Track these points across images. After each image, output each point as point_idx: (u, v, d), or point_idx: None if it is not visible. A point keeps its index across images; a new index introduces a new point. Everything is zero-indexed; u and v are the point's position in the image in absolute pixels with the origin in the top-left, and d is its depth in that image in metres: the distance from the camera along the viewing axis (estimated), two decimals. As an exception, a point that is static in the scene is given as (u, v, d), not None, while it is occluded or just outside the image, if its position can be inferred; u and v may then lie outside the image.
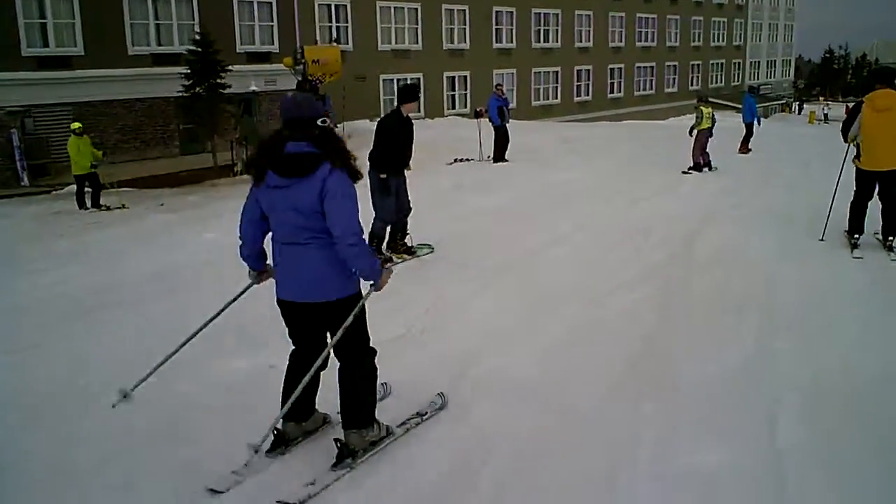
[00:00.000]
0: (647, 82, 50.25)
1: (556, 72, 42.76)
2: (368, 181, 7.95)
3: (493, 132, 17.85)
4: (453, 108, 36.31)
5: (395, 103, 8.29)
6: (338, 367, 4.10)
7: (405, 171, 8.61)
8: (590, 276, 7.65)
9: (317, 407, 4.38)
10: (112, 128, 24.83)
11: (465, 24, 36.84)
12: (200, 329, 4.28)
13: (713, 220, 10.15)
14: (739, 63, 61.50)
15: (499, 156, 17.89)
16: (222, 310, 4.36)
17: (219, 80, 22.79)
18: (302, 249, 3.83)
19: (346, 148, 3.90)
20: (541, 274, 7.81)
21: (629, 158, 18.73)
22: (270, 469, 4.02)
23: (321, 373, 4.09)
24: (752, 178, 14.41)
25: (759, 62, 64.72)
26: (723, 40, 58.51)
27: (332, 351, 4.01)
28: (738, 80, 60.81)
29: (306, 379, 3.90)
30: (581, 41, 44.32)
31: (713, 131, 15.73)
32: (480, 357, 5.51)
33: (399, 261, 8.35)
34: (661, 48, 51.12)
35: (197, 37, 22.74)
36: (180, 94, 22.66)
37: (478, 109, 18.77)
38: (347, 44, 31.55)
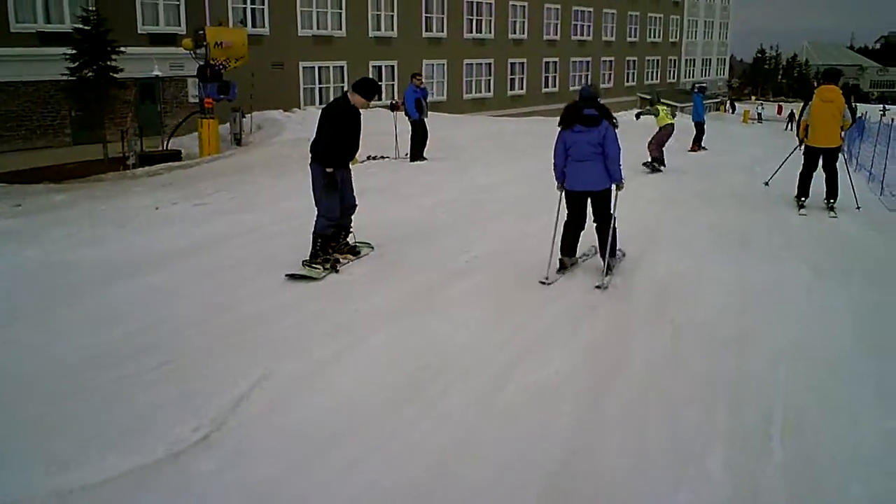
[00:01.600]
0: (583, 77, 48.90)
1: (490, 64, 41.09)
2: (311, 175, 7.50)
3: (410, 127, 16.01)
4: (379, 99, 34.21)
5: (345, 89, 7.41)
6: (594, 226, 7.33)
7: (350, 165, 7.88)
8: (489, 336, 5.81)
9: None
10: (-8, 114, 22.28)
11: (392, 11, 34.80)
12: None
13: (656, 241, 8.50)
14: (675, 60, 60.86)
15: (416, 154, 16.07)
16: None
17: (110, 63, 20.45)
18: (589, 164, 7.09)
19: (612, 114, 7.21)
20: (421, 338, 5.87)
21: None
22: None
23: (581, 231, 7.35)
24: (694, 184, 12.88)
25: (694, 60, 64.23)
26: (659, 36, 57.69)
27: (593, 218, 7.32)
28: (673, 78, 60.22)
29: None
30: (515, 33, 42.74)
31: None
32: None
33: (345, 262, 7.76)
34: (597, 42, 49.89)
35: (84, 13, 20.27)
36: (66, 77, 20.19)
37: (393, 101, 16.89)
38: (264, 27, 29.32)
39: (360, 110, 7.56)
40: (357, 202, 7.96)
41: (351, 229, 8.04)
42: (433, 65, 37.47)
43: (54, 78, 21.13)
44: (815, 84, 12.41)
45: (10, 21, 22.04)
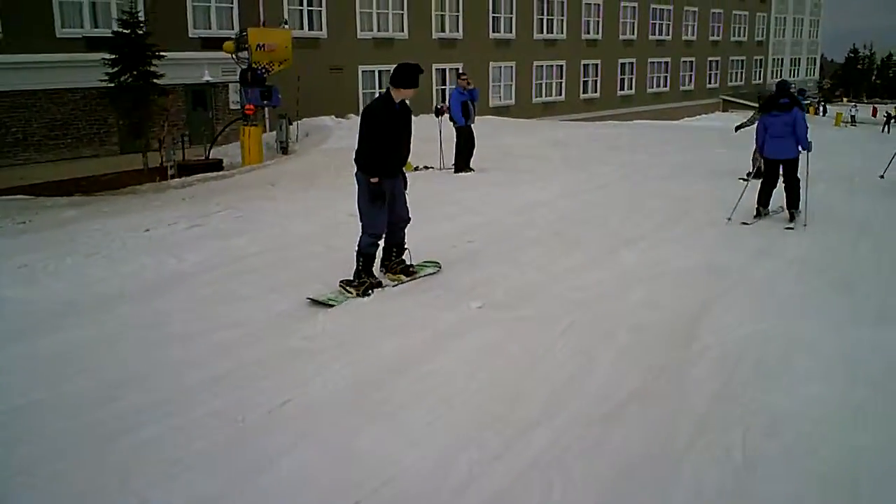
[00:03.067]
0: (661, 79, 46.37)
1: (561, 66, 39.06)
2: (356, 185, 6.65)
3: (455, 134, 14.33)
4: (444, 102, 32.76)
5: (387, 86, 6.56)
6: (783, 186, 9.48)
7: (403, 172, 6.95)
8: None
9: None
10: (37, 122, 21.61)
11: (457, 11, 33.19)
12: None
13: (737, 287, 6.63)
14: (761, 60, 57.45)
15: (461, 164, 14.38)
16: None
17: (150, 69, 19.43)
18: (781, 139, 9.33)
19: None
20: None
21: (629, 170, 15.14)
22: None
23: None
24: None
25: (782, 59, 60.68)
26: (744, 35, 54.45)
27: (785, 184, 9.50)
28: (759, 79, 56.82)
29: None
30: (589, 33, 40.57)
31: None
32: None
33: (394, 283, 6.90)
34: (677, 42, 47.16)
35: (124, 16, 19.29)
36: (104, 83, 19.24)
37: (439, 106, 15.21)
38: (321, 30, 28.14)
39: (410, 108, 6.68)
40: (410, 215, 7.00)
41: (406, 246, 7.11)
42: (501, 67, 35.74)
43: (101, 85, 20.27)
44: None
45: (56, 26, 21.42)
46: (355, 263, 6.68)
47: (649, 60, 45.02)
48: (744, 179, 13.23)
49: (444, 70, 32.81)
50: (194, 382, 4.60)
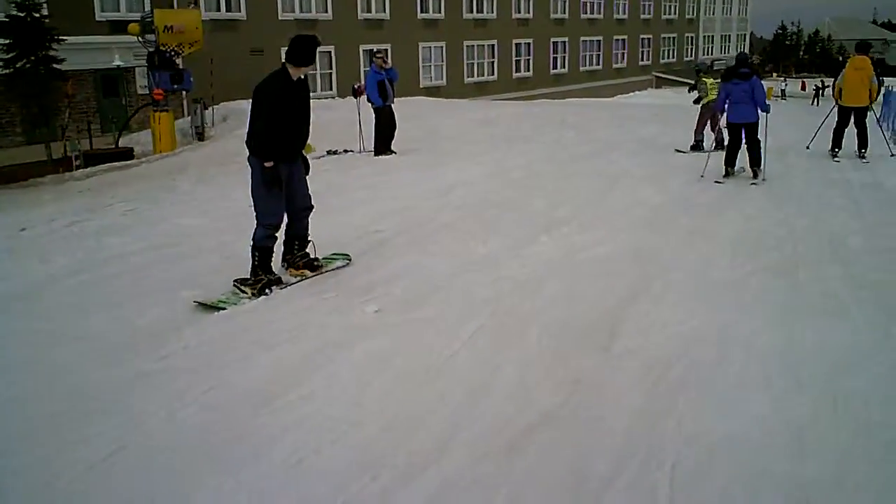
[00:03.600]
0: (594, 57, 45.97)
1: (493, 45, 38.30)
2: (250, 172, 5.95)
3: (374, 115, 13.48)
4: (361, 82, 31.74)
5: (283, 61, 5.87)
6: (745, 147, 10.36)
7: (304, 155, 6.27)
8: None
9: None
10: (-73, 111, 20.03)
11: (383, -9, 32.20)
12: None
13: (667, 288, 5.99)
14: (692, 37, 57.59)
15: (381, 147, 13.54)
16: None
17: (50, 53, 18.07)
18: (744, 105, 10.21)
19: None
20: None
21: (558, 146, 14.53)
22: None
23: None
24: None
25: (712, 37, 60.95)
26: (675, 13, 54.43)
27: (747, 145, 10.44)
28: (691, 55, 56.94)
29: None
30: (520, 12, 39.85)
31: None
32: None
33: (297, 279, 6.20)
34: (609, 21, 46.76)
35: (18, -1, 17.87)
36: (-1, 69, 17.87)
37: (356, 86, 14.33)
38: (240, 11, 26.89)
39: (308, 84, 6.06)
40: (313, 202, 6.32)
41: (309, 237, 6.38)
42: (431, 47, 34.85)
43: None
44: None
45: (-52, 10, 19.79)
46: (251, 259, 5.93)
47: (581, 39, 44.56)
48: (680, 151, 13.32)
49: (371, 51, 31.70)
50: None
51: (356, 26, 31.09)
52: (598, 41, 46.11)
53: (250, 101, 5.87)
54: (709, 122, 13.47)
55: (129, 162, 17.68)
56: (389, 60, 31.70)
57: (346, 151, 14.28)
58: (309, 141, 6.41)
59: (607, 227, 7.41)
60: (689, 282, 5.62)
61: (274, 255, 6.08)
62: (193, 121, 19.79)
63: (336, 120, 16.71)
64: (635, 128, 18.85)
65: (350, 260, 6.63)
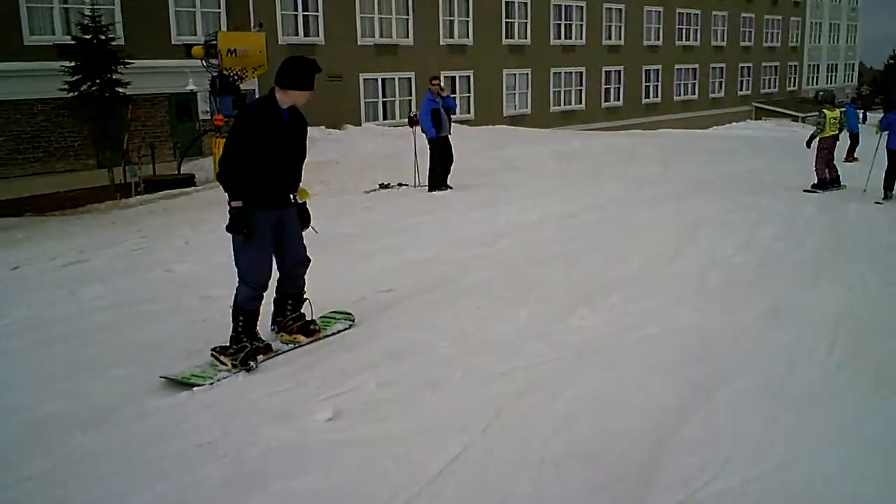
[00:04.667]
0: (689, 86, 43.90)
1: (581, 72, 36.88)
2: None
3: (428, 147, 12.36)
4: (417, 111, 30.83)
5: (272, 86, 4.95)
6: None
7: (295, 200, 5.20)
8: None
9: None
10: (3, 135, 19.99)
11: (467, 16, 31.22)
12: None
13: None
14: (796, 66, 54.66)
15: (435, 180, 12.39)
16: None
17: (113, 77, 17.75)
18: None
19: None
20: None
21: (637, 184, 13.04)
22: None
23: None
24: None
25: (818, 66, 57.79)
26: (777, 40, 51.73)
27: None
28: (794, 85, 54.04)
29: None
30: (610, 38, 38.33)
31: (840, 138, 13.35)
32: None
33: (289, 346, 5.20)
34: (706, 48, 44.67)
35: (84, 21, 17.62)
36: (64, 91, 17.63)
37: (412, 114, 13.27)
38: (318, 36, 26.39)
39: (305, 118, 5.09)
40: (309, 256, 5.30)
41: (305, 295, 5.37)
42: (515, 74, 33.69)
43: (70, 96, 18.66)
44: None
45: (24, 33, 19.87)
46: (232, 323, 4.95)
47: (676, 67, 42.63)
48: (810, 191, 12.32)
49: (453, 78, 30.82)
50: None
51: (438, 51, 30.20)
52: (694, 69, 44.04)
53: (321, 127, 4.83)
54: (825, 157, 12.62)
55: (190, 189, 17.19)
56: (472, 88, 30.95)
57: (399, 185, 13.19)
58: (304, 185, 5.33)
59: (668, 296, 5.95)
60: (763, 392, 4.13)
61: (261, 315, 5.05)
62: (257, 148, 19.12)
63: (404, 151, 15.70)
64: (729, 163, 17.18)
65: (353, 321, 5.54)
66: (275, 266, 5.11)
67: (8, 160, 20.21)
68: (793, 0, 52.50)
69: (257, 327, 5.01)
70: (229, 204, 4.75)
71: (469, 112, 31.35)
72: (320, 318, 5.50)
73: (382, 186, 13.08)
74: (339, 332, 5.40)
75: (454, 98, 12.87)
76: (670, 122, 39.93)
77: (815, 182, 12.55)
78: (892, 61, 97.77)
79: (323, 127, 22.53)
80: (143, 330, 5.48)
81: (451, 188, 12.42)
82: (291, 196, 5.12)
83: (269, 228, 4.93)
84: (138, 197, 16.70)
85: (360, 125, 26.52)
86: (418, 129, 12.68)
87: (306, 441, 3.57)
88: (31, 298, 6.35)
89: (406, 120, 13.47)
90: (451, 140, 12.35)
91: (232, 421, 3.82)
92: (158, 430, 3.78)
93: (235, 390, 4.32)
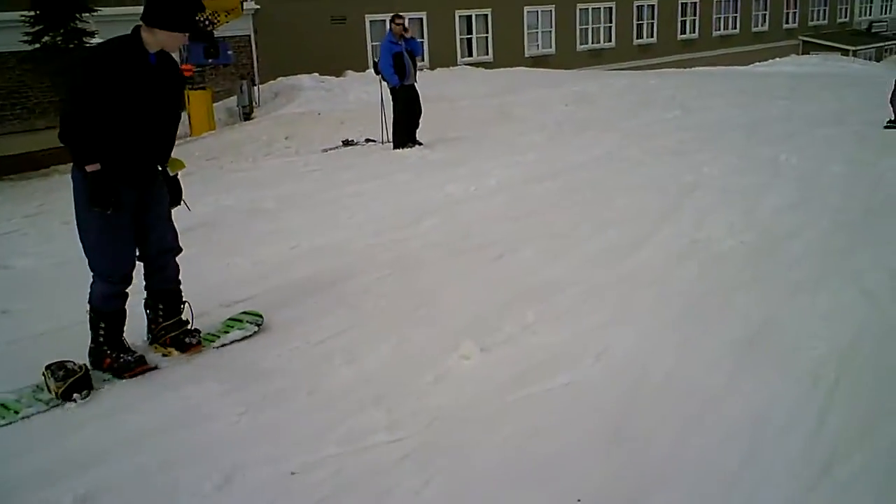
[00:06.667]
0: (729, 20, 40.92)
1: (610, 8, 34.41)
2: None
3: (391, 97, 10.70)
4: (466, 55, 28.93)
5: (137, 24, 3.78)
6: None
7: (165, 172, 4.16)
8: None
9: None
10: (-30, 91, 18.90)
11: (484, -52, 29.09)
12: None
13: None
14: (848, -5, 50.98)
15: (401, 136, 10.76)
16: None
17: (78, 26, 16.32)
18: None
19: None
20: None
21: (643, 135, 11.23)
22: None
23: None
24: None
25: (872, -6, 53.94)
26: (827, -33, 48.16)
27: None
28: (845, 17, 50.40)
29: None
30: (642, -31, 35.74)
31: None
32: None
33: (159, 356, 4.22)
34: (748, -22, 41.61)
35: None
36: (26, 43, 16.29)
37: (377, 59, 11.56)
38: (321, -24, 24.61)
39: (177, 63, 4.12)
40: (178, 244, 4.35)
41: (184, 298, 4.40)
42: (537, 11, 31.48)
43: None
44: None
45: (-7, -21, 18.48)
46: (91, 331, 4.06)
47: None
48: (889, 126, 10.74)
49: (469, 16, 28.83)
50: None
51: (452, -12, 28.24)
52: (735, 2, 41.04)
53: (314, 75, 3.53)
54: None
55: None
56: (490, 28, 28.81)
57: (367, 142, 11.60)
58: (176, 155, 4.24)
59: (616, 307, 4.32)
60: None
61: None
62: (239, 100, 17.72)
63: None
64: (760, 105, 15.14)
65: (260, 324, 4.46)
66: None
67: (-16, 117, 19.13)
68: (844, -78, 48.71)
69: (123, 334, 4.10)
70: (80, 170, 3.72)
71: (487, 53, 29.45)
72: (225, 321, 4.45)
73: (346, 143, 11.53)
74: (234, 341, 4.31)
75: (418, 41, 11.11)
76: (708, 59, 37.24)
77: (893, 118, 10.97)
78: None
79: (317, 74, 20.90)
80: None
81: (420, 144, 10.79)
82: (159, 167, 4.10)
83: (129, 206, 3.92)
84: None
85: (365, 71, 24.87)
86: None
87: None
88: None
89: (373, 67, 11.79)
90: (417, 88, 10.67)
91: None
92: None
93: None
